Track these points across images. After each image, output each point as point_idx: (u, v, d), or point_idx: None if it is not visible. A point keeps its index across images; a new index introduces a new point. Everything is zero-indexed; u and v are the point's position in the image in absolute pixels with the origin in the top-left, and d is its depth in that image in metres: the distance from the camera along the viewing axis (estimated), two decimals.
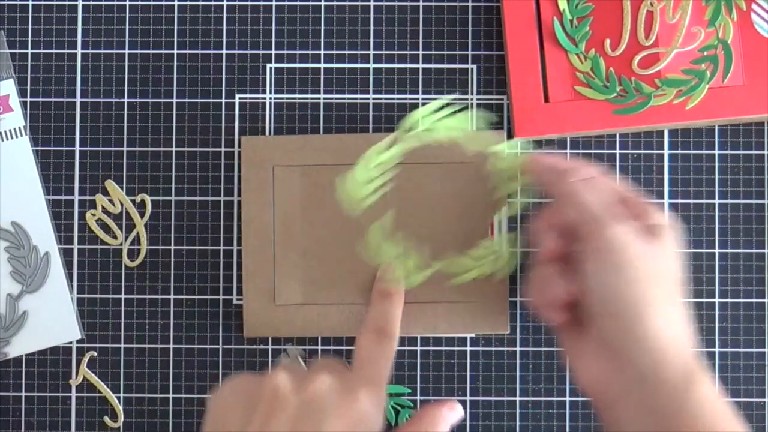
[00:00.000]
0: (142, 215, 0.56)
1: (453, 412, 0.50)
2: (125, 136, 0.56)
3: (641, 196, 0.49)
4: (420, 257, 0.53)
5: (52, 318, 0.55)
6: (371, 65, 0.56)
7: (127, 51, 0.56)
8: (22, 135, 0.56)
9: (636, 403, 0.44)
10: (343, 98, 0.56)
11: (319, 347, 0.55)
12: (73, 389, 0.55)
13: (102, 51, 0.56)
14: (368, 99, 0.56)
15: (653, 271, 0.45)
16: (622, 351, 0.45)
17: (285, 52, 0.56)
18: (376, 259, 0.53)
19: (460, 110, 0.53)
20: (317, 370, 0.45)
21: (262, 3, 0.56)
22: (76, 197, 0.56)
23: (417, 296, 0.53)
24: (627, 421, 0.44)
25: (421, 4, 0.56)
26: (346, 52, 0.56)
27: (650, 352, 0.44)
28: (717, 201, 0.55)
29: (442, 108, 0.52)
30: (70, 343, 0.55)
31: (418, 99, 0.56)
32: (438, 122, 0.52)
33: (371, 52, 0.56)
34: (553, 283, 0.49)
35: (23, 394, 0.55)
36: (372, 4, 0.56)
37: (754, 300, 0.55)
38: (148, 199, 0.56)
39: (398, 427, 0.49)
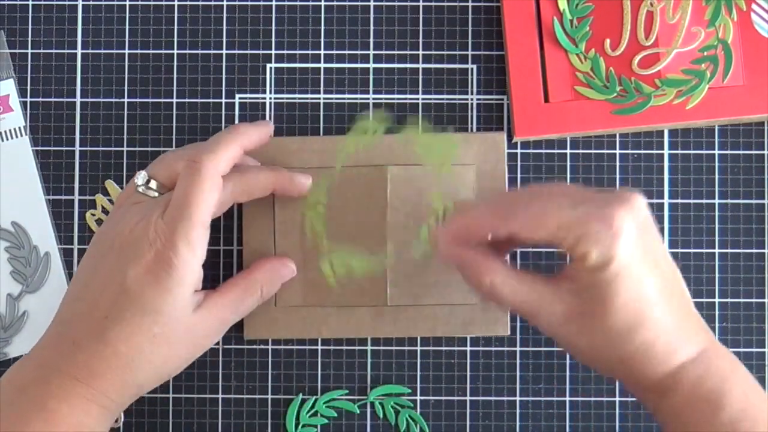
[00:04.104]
0: None
1: (286, 268, 0.50)
2: (125, 136, 0.56)
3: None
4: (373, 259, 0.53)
5: (52, 318, 0.55)
6: (371, 65, 0.56)
7: (127, 51, 0.56)
8: (22, 135, 0.56)
9: None
10: (343, 98, 0.56)
11: (319, 347, 0.55)
12: None
13: (102, 51, 0.56)
14: (368, 99, 0.56)
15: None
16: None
17: (285, 52, 0.56)
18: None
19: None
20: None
21: (262, 3, 0.56)
22: (76, 197, 0.56)
23: (416, 299, 0.54)
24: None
25: (421, 4, 0.56)
26: (346, 52, 0.56)
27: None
28: (717, 201, 0.55)
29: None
30: None
31: (418, 99, 0.56)
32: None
33: (371, 52, 0.56)
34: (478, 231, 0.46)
35: None
36: (372, 4, 0.56)
37: (754, 300, 0.55)
38: None
39: (233, 278, 0.50)
